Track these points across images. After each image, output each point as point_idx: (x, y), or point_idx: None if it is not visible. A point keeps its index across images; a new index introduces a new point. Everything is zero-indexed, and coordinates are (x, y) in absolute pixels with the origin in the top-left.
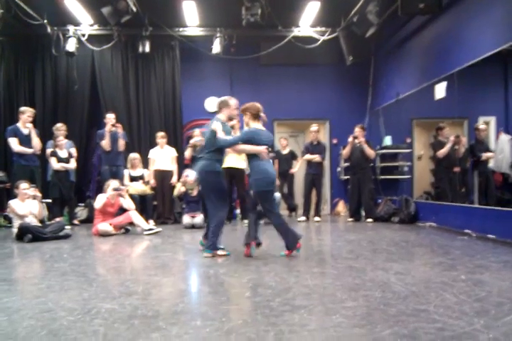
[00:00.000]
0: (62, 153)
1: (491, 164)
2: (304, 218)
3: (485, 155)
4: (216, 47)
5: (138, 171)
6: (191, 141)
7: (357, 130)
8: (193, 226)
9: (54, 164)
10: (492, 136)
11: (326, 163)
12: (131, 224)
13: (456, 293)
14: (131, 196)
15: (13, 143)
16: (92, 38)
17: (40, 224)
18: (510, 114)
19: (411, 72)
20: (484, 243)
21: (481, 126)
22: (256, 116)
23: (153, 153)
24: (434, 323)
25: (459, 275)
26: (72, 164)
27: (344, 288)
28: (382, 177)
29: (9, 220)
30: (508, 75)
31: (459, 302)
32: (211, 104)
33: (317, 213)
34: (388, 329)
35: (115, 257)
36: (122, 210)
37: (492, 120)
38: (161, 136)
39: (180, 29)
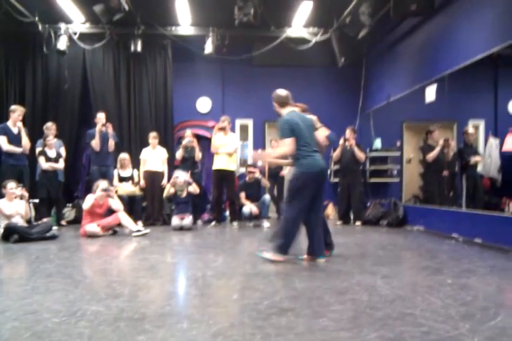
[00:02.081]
0: (51, 153)
1: (480, 168)
2: None
3: (473, 159)
4: (208, 47)
5: (127, 172)
6: (183, 142)
7: (348, 132)
8: (181, 228)
9: (42, 164)
10: (481, 140)
11: None
12: (120, 225)
13: (442, 297)
14: (120, 197)
15: (3, 142)
16: (83, 36)
17: (26, 225)
18: (500, 118)
19: (402, 74)
20: (471, 247)
21: (470, 130)
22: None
23: (144, 154)
24: (420, 327)
25: (446, 279)
26: (61, 164)
27: (332, 291)
28: (372, 180)
29: None
30: (498, 78)
31: (445, 306)
32: (203, 104)
33: None
34: (374, 332)
35: (102, 259)
36: (111, 211)
37: (481, 124)
38: (153, 137)
39: (173, 28)
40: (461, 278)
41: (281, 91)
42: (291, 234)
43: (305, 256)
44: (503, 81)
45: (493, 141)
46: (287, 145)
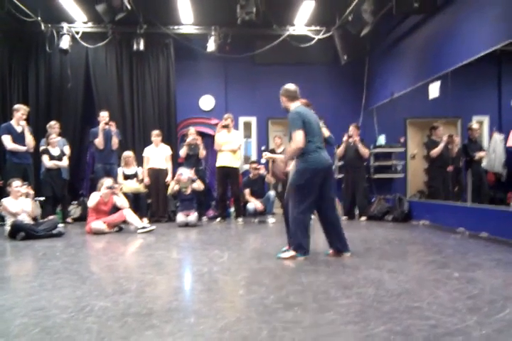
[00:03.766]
0: (55, 151)
1: (484, 163)
2: None
3: (478, 155)
4: (211, 46)
5: (132, 169)
6: (187, 140)
7: (351, 129)
8: (186, 225)
9: (46, 162)
10: (485, 136)
11: None
12: (125, 222)
13: (449, 290)
14: (125, 194)
15: (7, 141)
16: (86, 36)
17: (33, 222)
18: (504, 114)
19: (405, 71)
20: (477, 241)
21: (474, 126)
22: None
23: (147, 151)
24: (427, 320)
25: (452, 272)
26: (65, 162)
27: (338, 285)
28: (376, 176)
29: (2, 218)
30: (501, 75)
31: (452, 299)
32: (206, 102)
33: None
34: (381, 326)
35: (108, 255)
36: (116, 208)
37: (485, 119)
38: (156, 134)
39: (175, 27)
40: (468, 272)
41: (290, 86)
42: (300, 233)
43: (331, 252)
44: (507, 77)
45: (498, 137)
46: (298, 137)
